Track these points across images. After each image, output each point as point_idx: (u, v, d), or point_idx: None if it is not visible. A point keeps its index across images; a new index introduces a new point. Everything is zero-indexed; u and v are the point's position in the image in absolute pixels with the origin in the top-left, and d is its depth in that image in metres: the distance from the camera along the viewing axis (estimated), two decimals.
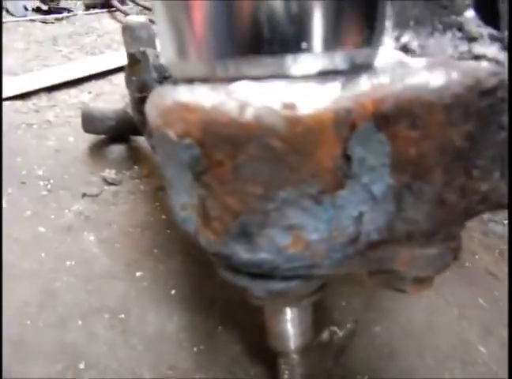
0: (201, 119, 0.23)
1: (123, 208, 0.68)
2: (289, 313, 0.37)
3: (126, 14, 2.02)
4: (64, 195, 0.69)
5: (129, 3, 2.18)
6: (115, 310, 0.50)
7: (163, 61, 0.28)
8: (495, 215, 0.67)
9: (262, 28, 0.21)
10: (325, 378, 0.44)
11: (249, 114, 0.22)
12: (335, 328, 0.47)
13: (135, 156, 0.81)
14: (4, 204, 0.66)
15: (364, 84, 0.22)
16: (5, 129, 0.87)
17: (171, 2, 0.24)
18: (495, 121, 0.25)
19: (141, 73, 0.51)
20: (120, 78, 1.21)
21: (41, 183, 0.71)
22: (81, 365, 0.44)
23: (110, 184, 0.72)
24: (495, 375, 0.46)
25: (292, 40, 0.22)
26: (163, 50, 0.27)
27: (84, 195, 0.69)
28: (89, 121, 0.76)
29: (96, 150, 0.82)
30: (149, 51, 0.49)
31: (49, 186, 0.71)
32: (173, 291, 0.53)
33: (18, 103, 1.01)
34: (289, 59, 0.22)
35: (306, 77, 0.23)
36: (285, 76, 0.23)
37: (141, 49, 0.50)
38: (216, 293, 0.53)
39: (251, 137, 0.22)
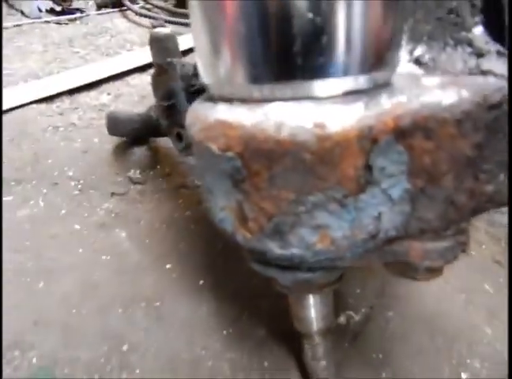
0: (242, 136, 0.27)
1: (149, 206, 0.72)
2: (312, 300, 0.42)
3: (137, 13, 2.06)
4: (94, 194, 0.74)
5: (140, 2, 2.22)
6: (150, 299, 0.55)
7: (202, 79, 0.32)
8: None
9: (296, 57, 0.25)
10: (343, 357, 0.48)
11: (285, 132, 0.26)
12: (351, 313, 0.52)
13: (156, 157, 0.86)
14: (40, 204, 0.71)
15: (385, 103, 0.26)
16: (34, 131, 0.93)
17: (212, 31, 0.28)
18: (500, 131, 0.29)
19: (168, 82, 0.55)
20: (136, 79, 1.26)
21: (72, 183, 0.76)
22: (124, 348, 0.49)
23: (135, 183, 0.77)
24: (499, 353, 0.50)
25: (322, 67, 0.26)
26: (203, 70, 0.31)
27: (112, 194, 0.74)
28: (114, 125, 0.81)
29: (120, 151, 0.86)
30: (176, 61, 0.53)
31: (80, 186, 0.76)
32: (201, 282, 0.58)
33: (43, 106, 1.06)
34: (318, 83, 0.26)
35: (332, 98, 0.26)
36: (314, 98, 0.26)
37: (168, 59, 0.54)
38: (241, 283, 0.58)
39: (286, 152, 0.26)
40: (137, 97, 1.12)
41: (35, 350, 0.49)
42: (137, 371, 0.47)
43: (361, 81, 0.27)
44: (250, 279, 0.58)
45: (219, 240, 0.65)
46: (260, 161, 0.27)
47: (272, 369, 0.48)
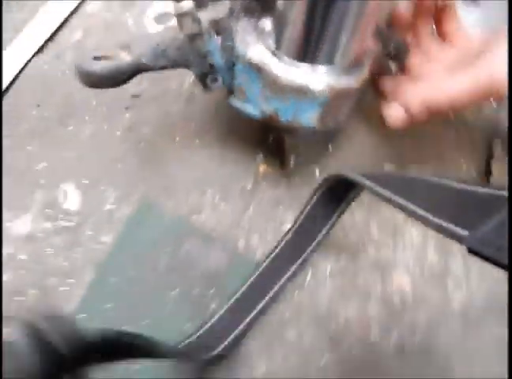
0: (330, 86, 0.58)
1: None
2: None
3: None
4: (109, 117, 0.98)
5: None
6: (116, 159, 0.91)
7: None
8: None
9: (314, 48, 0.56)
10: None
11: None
12: None
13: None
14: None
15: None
16: None
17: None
18: None
19: (201, 50, 0.54)
20: (96, 4, 1.05)
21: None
22: (140, 187, 0.83)
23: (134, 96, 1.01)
24: None
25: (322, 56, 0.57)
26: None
27: (127, 108, 0.99)
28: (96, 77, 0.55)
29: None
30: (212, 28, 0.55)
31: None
32: (141, 144, 0.93)
33: None
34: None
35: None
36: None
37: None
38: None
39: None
40: (103, 29, 1.04)
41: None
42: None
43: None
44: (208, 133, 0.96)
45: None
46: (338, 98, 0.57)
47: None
